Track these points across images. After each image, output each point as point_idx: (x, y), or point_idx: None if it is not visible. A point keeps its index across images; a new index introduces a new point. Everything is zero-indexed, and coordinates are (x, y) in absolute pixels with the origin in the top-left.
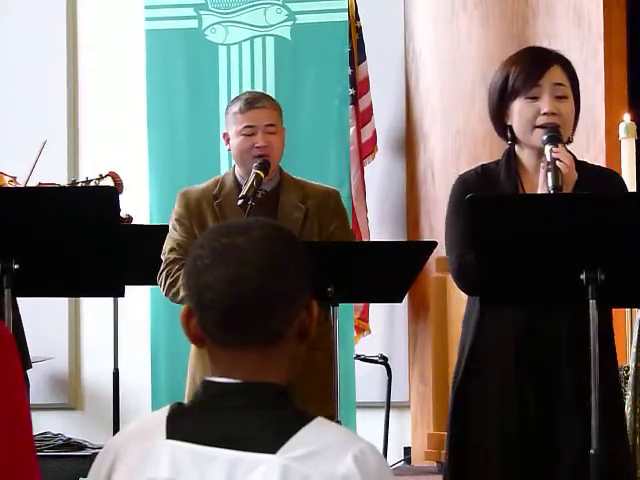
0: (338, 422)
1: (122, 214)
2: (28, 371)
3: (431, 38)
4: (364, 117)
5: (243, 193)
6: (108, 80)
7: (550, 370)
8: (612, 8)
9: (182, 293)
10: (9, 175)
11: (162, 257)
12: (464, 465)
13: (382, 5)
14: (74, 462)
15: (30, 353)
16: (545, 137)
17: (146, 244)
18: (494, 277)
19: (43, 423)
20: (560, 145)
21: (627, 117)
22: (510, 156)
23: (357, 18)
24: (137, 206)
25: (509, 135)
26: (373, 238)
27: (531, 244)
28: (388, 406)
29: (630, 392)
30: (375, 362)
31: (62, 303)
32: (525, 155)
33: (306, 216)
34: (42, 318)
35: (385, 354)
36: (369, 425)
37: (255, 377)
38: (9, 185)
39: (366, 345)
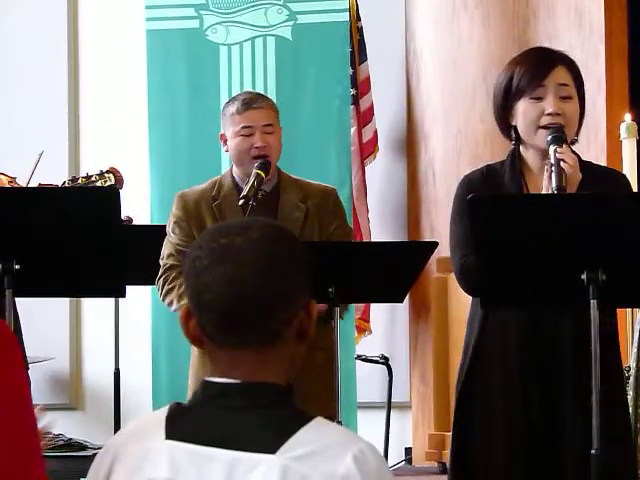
0: (339, 422)
1: (122, 216)
2: (28, 371)
3: (432, 38)
4: (365, 117)
5: (244, 193)
6: (109, 80)
7: (554, 370)
8: (613, 8)
9: (175, 305)
10: (9, 176)
11: (160, 262)
12: (468, 464)
13: (383, 5)
14: (75, 462)
15: (31, 353)
16: (549, 137)
17: (146, 244)
18: (495, 277)
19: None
20: (564, 145)
21: (628, 117)
22: (515, 156)
23: (358, 18)
24: (138, 206)
25: (514, 135)
26: (374, 238)
27: (532, 244)
28: (389, 406)
29: (631, 392)
30: (376, 362)
31: (63, 303)
32: (530, 155)
33: (306, 215)
34: (43, 318)
35: (386, 354)
36: (370, 425)
37: (254, 377)
38: (9, 186)
39: (367, 345)
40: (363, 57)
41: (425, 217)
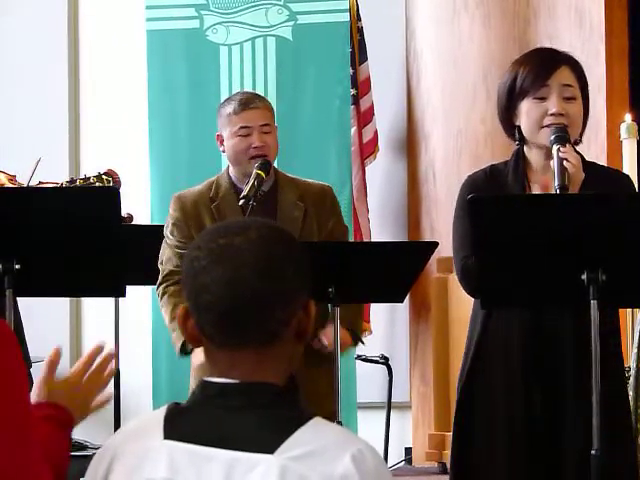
0: (339, 422)
1: (123, 213)
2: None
3: (432, 38)
4: (365, 117)
5: (245, 193)
6: (109, 81)
7: (555, 370)
8: (613, 8)
9: (168, 325)
10: (8, 174)
11: (159, 266)
12: (469, 464)
13: (383, 5)
14: (75, 462)
15: (31, 353)
16: (553, 137)
17: (146, 244)
18: (495, 277)
19: None
20: (568, 145)
21: (628, 117)
22: (518, 156)
23: (358, 18)
24: (138, 206)
25: (517, 136)
26: (374, 238)
27: (532, 244)
28: (389, 406)
29: (631, 392)
30: (376, 362)
31: (63, 303)
32: (533, 155)
33: (305, 214)
34: (43, 318)
35: (386, 354)
36: (370, 425)
37: (253, 377)
38: (9, 184)
39: (367, 345)
40: (363, 57)
41: (425, 217)
